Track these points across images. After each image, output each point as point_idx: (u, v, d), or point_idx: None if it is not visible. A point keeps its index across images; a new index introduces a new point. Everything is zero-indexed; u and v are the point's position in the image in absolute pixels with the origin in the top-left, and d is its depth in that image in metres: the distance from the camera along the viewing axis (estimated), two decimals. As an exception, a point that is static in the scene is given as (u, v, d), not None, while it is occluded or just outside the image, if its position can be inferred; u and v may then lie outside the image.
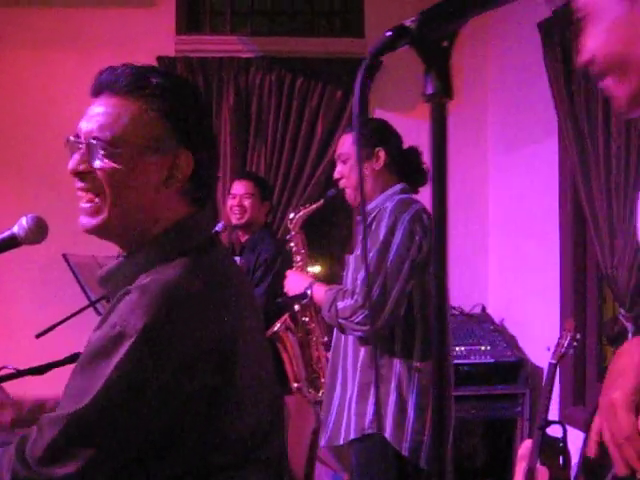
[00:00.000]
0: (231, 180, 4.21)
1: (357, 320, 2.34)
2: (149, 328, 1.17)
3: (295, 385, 2.94)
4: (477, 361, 3.89)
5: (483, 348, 3.96)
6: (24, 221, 1.54)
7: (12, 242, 1.56)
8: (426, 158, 4.52)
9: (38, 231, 1.54)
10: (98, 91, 1.36)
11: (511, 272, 4.42)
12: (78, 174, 1.32)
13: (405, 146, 2.71)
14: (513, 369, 3.90)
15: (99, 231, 1.35)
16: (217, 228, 3.92)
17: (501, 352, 3.96)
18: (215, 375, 1.22)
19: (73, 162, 1.32)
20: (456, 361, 3.83)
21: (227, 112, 4.53)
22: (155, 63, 4.54)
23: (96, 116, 1.33)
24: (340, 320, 2.39)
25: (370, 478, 2.43)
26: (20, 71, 4.57)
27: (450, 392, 2.54)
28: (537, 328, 3.98)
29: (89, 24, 4.58)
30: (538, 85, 3.85)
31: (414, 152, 2.68)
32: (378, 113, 4.67)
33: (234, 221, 3.82)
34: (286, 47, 4.61)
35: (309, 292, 2.58)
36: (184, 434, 1.22)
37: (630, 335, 3.17)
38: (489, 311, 4.39)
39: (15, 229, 1.54)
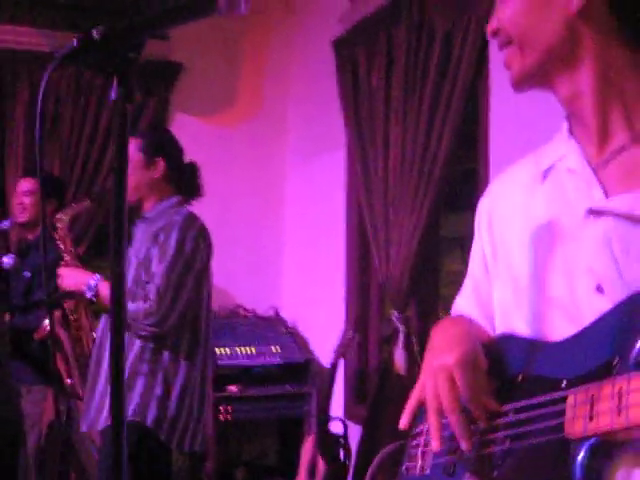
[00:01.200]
0: (23, 176, 4.07)
1: (148, 322, 2.56)
2: None
3: (69, 381, 2.97)
4: (266, 362, 4.01)
5: (273, 349, 4.09)
6: None
7: None
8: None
9: None
10: None
11: (304, 276, 4.60)
12: None
13: (186, 159, 2.89)
14: (301, 369, 4.07)
15: None
16: (3, 226, 3.80)
17: (290, 353, 4.11)
18: None
19: None
20: (245, 362, 3.95)
21: (21, 107, 4.36)
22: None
23: None
24: (129, 320, 2.54)
25: (129, 461, 2.53)
26: None
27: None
28: (326, 330, 4.18)
29: None
30: (332, 99, 4.04)
31: (192, 167, 2.89)
32: (179, 117, 4.70)
33: (21, 219, 3.71)
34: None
35: (93, 288, 2.65)
36: None
37: (402, 335, 3.42)
38: (282, 314, 4.54)
39: None
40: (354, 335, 3.59)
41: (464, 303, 1.29)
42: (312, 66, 4.59)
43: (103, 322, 2.70)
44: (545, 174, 1.12)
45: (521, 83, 1.10)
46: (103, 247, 4.54)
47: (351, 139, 3.81)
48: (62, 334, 3.00)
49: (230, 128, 4.83)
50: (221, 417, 3.82)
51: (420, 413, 1.08)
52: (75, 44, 0.85)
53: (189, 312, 2.65)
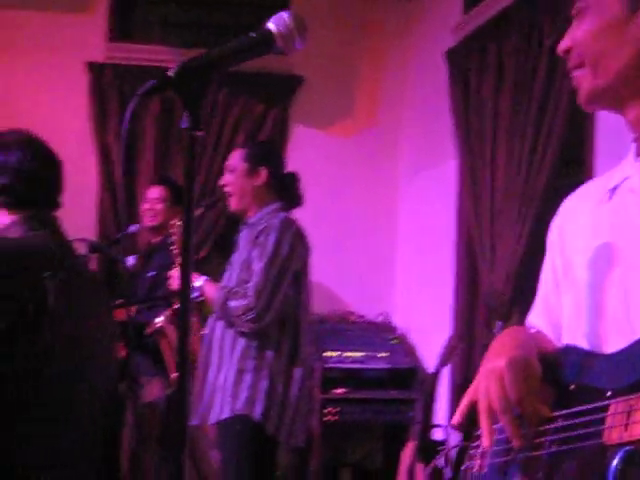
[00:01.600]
0: (153, 184, 4.39)
1: (247, 318, 2.69)
2: None
3: (175, 375, 3.17)
4: (374, 367, 4.11)
5: (382, 355, 4.19)
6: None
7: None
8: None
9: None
10: None
11: (414, 284, 4.67)
12: None
13: (287, 170, 3.05)
14: (408, 376, 4.14)
15: None
16: (131, 229, 4.11)
17: (398, 359, 4.19)
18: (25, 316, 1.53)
19: None
20: (353, 365, 4.08)
21: (152, 120, 4.69)
22: (84, 69, 4.70)
23: None
24: (232, 318, 2.74)
25: (238, 452, 2.75)
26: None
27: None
28: (434, 338, 4.23)
29: (20, 26, 4.68)
30: (445, 109, 4.10)
31: (293, 177, 3.03)
32: (297, 128, 4.90)
33: (146, 223, 4.00)
34: (212, 60, 4.78)
35: (200, 286, 2.86)
36: None
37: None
38: (392, 321, 4.63)
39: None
40: (458, 343, 3.64)
41: (534, 314, 1.34)
42: (426, 77, 4.67)
43: (211, 322, 2.88)
44: (611, 193, 1.17)
45: (591, 103, 1.15)
46: (224, 248, 4.80)
47: (461, 150, 3.86)
48: (171, 331, 3.24)
49: (346, 138, 4.97)
50: (328, 418, 3.96)
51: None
52: (154, 82, 0.99)
53: (289, 311, 2.79)
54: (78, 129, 4.64)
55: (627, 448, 0.92)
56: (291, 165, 4.79)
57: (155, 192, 4.07)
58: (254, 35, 1.03)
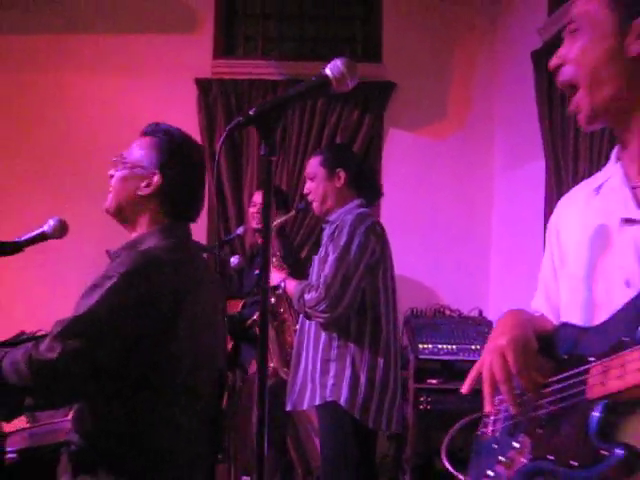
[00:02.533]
0: (258, 189, 4.75)
1: (320, 309, 2.84)
2: (125, 274, 1.76)
3: (271, 365, 3.46)
4: (467, 358, 4.29)
5: (474, 347, 4.35)
6: (51, 222, 2.17)
7: (41, 237, 2.12)
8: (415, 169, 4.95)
9: (60, 229, 2.17)
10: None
11: (508, 279, 4.80)
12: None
13: (365, 164, 3.20)
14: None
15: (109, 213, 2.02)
16: (238, 232, 4.46)
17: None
18: (167, 312, 1.78)
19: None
20: (446, 357, 4.27)
21: (255, 132, 5.02)
22: (193, 85, 5.10)
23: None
24: (307, 309, 2.90)
25: (331, 437, 2.95)
26: (70, 93, 5.16)
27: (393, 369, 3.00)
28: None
29: (133, 49, 5.15)
30: (533, 110, 4.23)
31: (370, 172, 3.23)
32: (392, 132, 5.13)
33: (254, 225, 4.34)
34: (310, 70, 5.03)
35: (282, 285, 3.09)
36: (139, 350, 1.77)
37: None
38: (486, 315, 4.78)
39: (44, 227, 2.14)
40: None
41: (537, 301, 1.57)
42: (515, 79, 4.79)
43: (302, 316, 3.07)
44: (597, 190, 1.36)
45: (591, 122, 1.30)
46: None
47: (546, 151, 3.98)
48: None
49: (440, 140, 5.16)
50: (421, 407, 4.17)
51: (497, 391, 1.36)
52: (240, 120, 1.26)
53: (367, 302, 2.91)
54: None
55: (605, 401, 1.12)
56: (387, 168, 5.07)
57: (260, 197, 4.40)
58: (314, 79, 1.28)
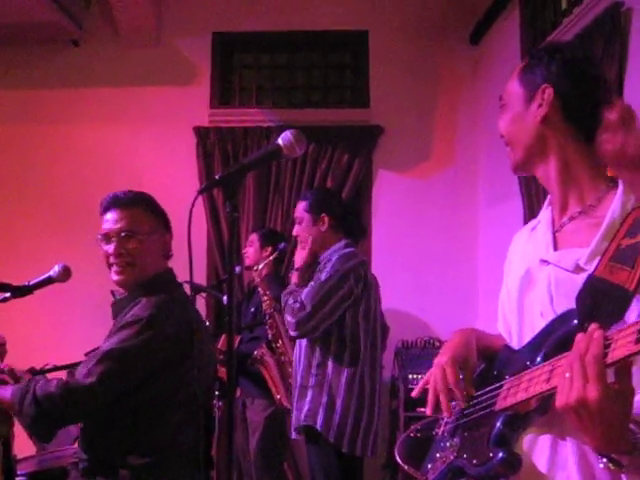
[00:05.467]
0: (252, 231, 5.02)
1: (295, 318, 3.12)
2: (152, 316, 2.15)
3: (277, 397, 3.70)
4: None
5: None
6: (56, 267, 2.41)
7: (48, 281, 2.40)
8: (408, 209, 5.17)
9: (64, 274, 2.46)
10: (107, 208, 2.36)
11: (496, 311, 4.98)
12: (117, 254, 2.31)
13: (348, 205, 3.55)
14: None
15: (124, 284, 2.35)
16: (236, 271, 4.70)
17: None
18: (184, 344, 2.19)
19: (112, 248, 2.31)
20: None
21: (251, 173, 5.29)
22: (192, 133, 5.40)
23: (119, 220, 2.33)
24: (284, 307, 3.23)
25: (312, 460, 3.21)
26: (77, 144, 5.49)
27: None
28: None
29: (135, 100, 5.47)
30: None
31: (354, 213, 3.49)
32: (381, 173, 5.40)
33: (248, 263, 4.60)
34: (302, 117, 5.34)
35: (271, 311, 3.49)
36: (163, 376, 2.15)
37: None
38: (474, 346, 4.97)
39: (50, 272, 2.40)
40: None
41: (499, 324, 1.78)
42: (496, 120, 5.04)
43: (297, 348, 3.34)
44: (530, 233, 1.63)
45: (516, 171, 1.61)
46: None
47: (522, 189, 4.23)
48: (269, 359, 3.77)
49: (426, 180, 5.42)
50: (412, 434, 4.34)
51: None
52: (208, 183, 1.52)
53: (347, 334, 3.16)
54: (189, 185, 5.31)
55: (507, 413, 1.36)
56: (376, 207, 5.33)
57: (256, 237, 4.64)
58: (268, 148, 1.54)
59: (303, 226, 3.37)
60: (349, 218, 3.41)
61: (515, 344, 1.56)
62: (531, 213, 4.05)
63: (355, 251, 3.32)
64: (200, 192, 1.50)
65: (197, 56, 5.55)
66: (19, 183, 5.45)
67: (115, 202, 2.33)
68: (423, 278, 5.30)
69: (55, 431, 2.11)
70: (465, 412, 1.54)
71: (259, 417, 4.12)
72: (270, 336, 3.55)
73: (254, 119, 5.42)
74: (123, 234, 2.28)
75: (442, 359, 1.55)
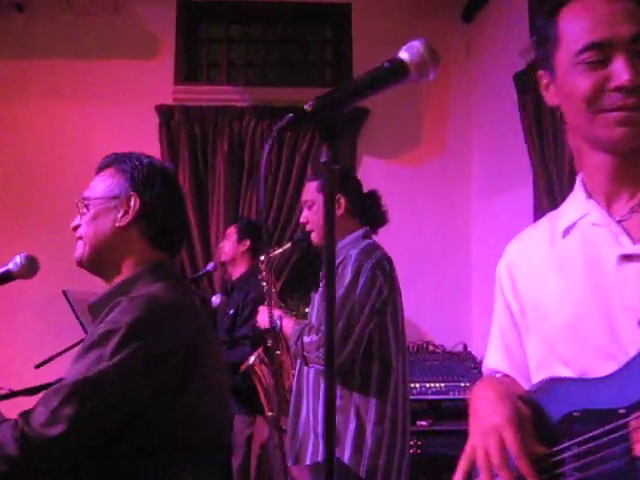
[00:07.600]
0: (225, 222, 4.47)
1: (320, 355, 2.49)
2: (134, 322, 1.45)
3: (270, 414, 3.12)
4: (456, 397, 4.03)
5: (463, 384, 4.10)
6: (18, 259, 1.79)
7: (7, 276, 1.80)
8: (402, 201, 4.74)
9: (30, 267, 1.79)
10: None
11: (492, 312, 4.58)
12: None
13: (366, 190, 2.90)
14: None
15: (83, 265, 1.67)
16: (208, 268, 4.15)
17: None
18: (183, 365, 1.48)
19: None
20: (435, 397, 4.00)
21: (221, 158, 4.76)
22: (154, 111, 4.80)
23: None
24: (305, 353, 2.57)
25: None
26: (24, 122, 4.82)
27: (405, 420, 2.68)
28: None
29: (91, 74, 4.84)
30: (515, 133, 4.06)
31: (373, 196, 2.88)
32: (365, 159, 4.91)
33: (223, 259, 4.07)
34: (278, 96, 4.83)
35: (278, 324, 2.75)
36: (154, 410, 1.46)
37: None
38: (471, 350, 4.55)
39: (10, 265, 1.79)
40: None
41: (495, 358, 1.38)
42: (493, 102, 4.63)
43: (300, 361, 2.72)
44: (566, 232, 1.23)
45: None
46: (297, 284, 4.82)
47: (536, 173, 3.80)
48: (263, 369, 3.18)
49: (416, 167, 4.96)
50: (411, 451, 3.87)
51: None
52: (291, 117, 0.99)
53: (375, 343, 2.59)
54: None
55: None
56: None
57: (234, 230, 4.10)
58: (387, 66, 1.01)
59: (314, 210, 2.78)
60: (368, 202, 2.85)
61: (565, 373, 1.17)
62: (551, 199, 3.61)
63: (375, 243, 2.76)
64: (281, 130, 0.97)
65: (160, 26, 4.96)
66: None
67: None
68: (412, 277, 4.79)
69: None
70: (555, 473, 1.09)
71: (241, 436, 3.59)
72: (270, 342, 2.94)
73: (225, 98, 4.87)
74: (78, 201, 1.69)
75: (494, 420, 1.11)
